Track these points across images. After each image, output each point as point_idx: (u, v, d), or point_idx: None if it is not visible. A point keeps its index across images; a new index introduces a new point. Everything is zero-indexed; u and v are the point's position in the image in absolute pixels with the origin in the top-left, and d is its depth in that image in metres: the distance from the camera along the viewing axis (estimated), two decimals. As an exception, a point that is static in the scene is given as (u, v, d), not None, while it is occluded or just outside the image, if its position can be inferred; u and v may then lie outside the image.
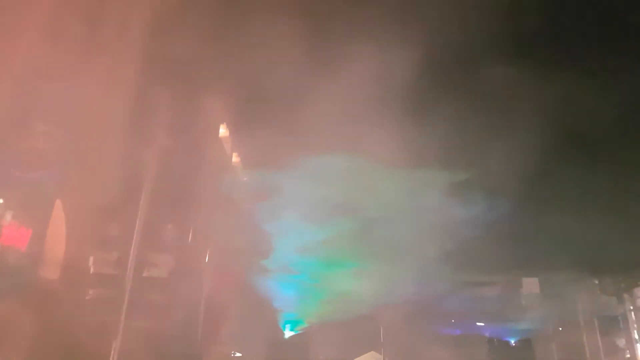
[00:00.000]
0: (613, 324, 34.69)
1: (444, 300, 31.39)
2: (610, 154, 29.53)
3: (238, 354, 26.62)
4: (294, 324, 28.18)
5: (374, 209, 30.60)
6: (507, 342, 30.65)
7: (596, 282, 33.98)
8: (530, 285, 32.94)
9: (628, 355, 34.95)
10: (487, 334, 32.06)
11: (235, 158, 27.55)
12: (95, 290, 14.15)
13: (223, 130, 25.67)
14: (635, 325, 34.62)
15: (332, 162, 29.40)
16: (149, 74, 16.83)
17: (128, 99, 16.38)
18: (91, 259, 14.37)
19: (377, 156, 27.69)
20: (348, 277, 30.47)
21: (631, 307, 34.73)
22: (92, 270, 14.37)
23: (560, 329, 33.15)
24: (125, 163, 15.60)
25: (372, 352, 33.37)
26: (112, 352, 12.34)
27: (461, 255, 29.05)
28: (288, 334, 27.62)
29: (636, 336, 34.57)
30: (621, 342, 35.55)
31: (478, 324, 33.51)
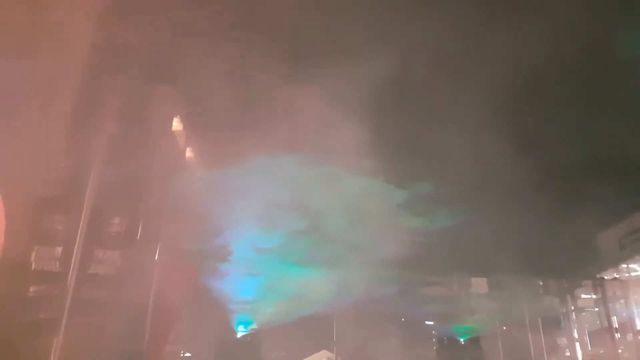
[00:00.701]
0: (555, 324, 36.13)
1: (395, 299, 31.85)
2: (556, 159, 30.86)
3: (187, 354, 26.05)
4: (246, 324, 27.81)
5: (330, 212, 30.77)
6: (457, 340, 31.29)
7: (540, 283, 35.30)
8: (479, 285, 33.84)
9: (568, 354, 36.50)
10: (436, 333, 32.66)
11: (189, 153, 26.89)
12: (37, 287, 13.45)
13: (177, 124, 25.01)
14: (575, 325, 36.20)
15: (291, 163, 29.28)
16: (98, 60, 16.23)
17: (75, 84, 15.70)
18: (33, 254, 13.62)
19: (336, 161, 27.91)
20: (301, 278, 30.42)
21: (572, 308, 36.31)
22: (34, 266, 13.64)
23: (505, 328, 34.20)
24: (70, 151, 14.93)
25: (324, 351, 33.44)
26: (53, 351, 11.73)
27: (412, 257, 29.61)
28: (240, 333, 27.22)
29: (576, 335, 36.15)
30: (562, 341, 37.09)
31: (427, 322, 34.14)
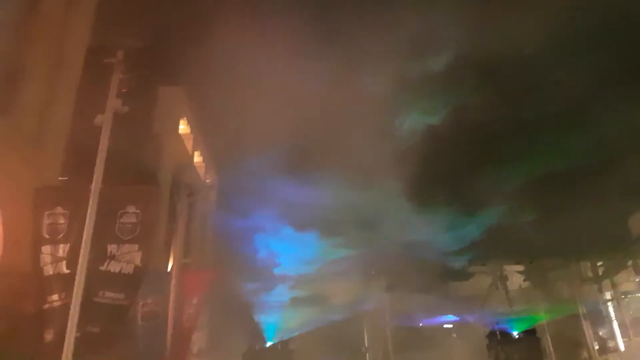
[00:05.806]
0: (597, 313, 34.18)
1: (431, 293, 30.02)
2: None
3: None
4: (275, 332, 26.07)
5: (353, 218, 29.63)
6: (510, 334, 27.58)
7: (578, 268, 33.49)
8: (516, 274, 31.94)
9: (612, 344, 34.39)
10: (484, 326, 29.38)
11: (197, 157, 25.74)
12: (51, 296, 11.87)
13: (184, 127, 23.86)
14: (616, 313, 34.15)
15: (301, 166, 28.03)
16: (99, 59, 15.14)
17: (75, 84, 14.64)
18: (41, 258, 12.03)
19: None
20: (330, 281, 28.94)
21: (612, 295, 34.24)
22: (46, 271, 12.05)
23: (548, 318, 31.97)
24: (70, 140, 13.69)
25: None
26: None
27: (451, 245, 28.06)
28: (269, 343, 25.48)
29: (617, 324, 34.08)
30: (603, 330, 35.04)
31: (467, 318, 31.90)
